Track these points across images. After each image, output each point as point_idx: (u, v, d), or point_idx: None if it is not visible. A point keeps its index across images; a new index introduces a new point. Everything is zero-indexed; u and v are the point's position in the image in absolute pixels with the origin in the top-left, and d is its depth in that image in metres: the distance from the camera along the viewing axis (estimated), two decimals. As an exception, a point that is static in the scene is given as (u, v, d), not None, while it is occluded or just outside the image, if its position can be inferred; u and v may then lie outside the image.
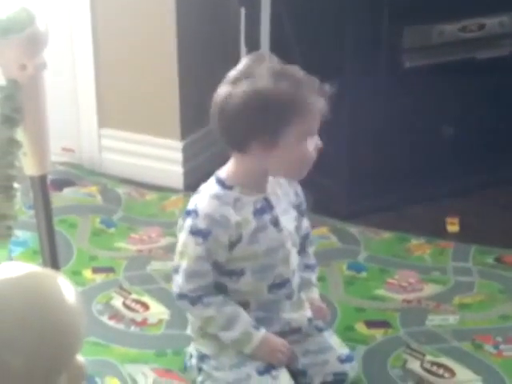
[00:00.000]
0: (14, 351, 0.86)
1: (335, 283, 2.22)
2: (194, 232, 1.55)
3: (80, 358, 0.92)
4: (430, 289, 2.21)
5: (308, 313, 1.72)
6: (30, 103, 1.51)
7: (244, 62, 1.56)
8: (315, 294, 1.76)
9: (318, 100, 1.53)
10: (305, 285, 1.74)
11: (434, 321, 2.09)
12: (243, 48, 2.56)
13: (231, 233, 1.56)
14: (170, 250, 2.37)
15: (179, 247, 1.59)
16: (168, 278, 2.22)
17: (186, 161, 2.72)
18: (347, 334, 2.00)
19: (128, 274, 2.26)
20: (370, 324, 2.08)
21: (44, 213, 1.63)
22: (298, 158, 1.54)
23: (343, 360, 1.73)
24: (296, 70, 1.55)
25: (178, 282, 1.59)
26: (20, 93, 1.48)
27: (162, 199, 2.66)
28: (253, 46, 2.49)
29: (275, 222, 1.61)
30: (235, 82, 1.52)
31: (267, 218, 1.60)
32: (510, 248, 2.37)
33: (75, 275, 2.22)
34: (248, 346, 1.59)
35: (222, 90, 1.54)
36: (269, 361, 1.60)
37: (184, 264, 1.57)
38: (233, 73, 1.55)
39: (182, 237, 1.58)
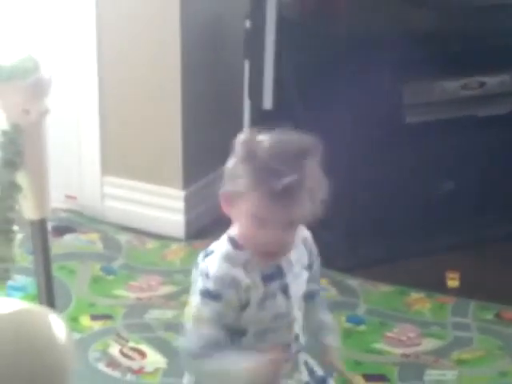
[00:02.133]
0: None
1: (334, 336, 2.21)
2: (205, 293, 1.51)
3: None
4: (428, 343, 2.20)
5: (304, 377, 1.70)
6: (31, 148, 1.52)
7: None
8: (334, 341, 1.67)
9: (264, 193, 1.45)
10: (321, 328, 1.68)
11: (432, 376, 2.08)
12: (247, 101, 2.59)
13: (241, 296, 1.52)
14: (169, 298, 2.38)
15: (190, 309, 1.53)
16: (167, 326, 2.24)
17: (188, 210, 2.74)
18: (344, 388, 1.99)
19: (126, 322, 2.26)
20: (368, 378, 2.07)
21: (43, 257, 1.64)
22: (246, 234, 1.49)
23: None
24: (274, 158, 1.49)
25: (186, 343, 1.54)
26: (22, 137, 1.49)
27: (162, 248, 2.67)
28: (256, 98, 2.53)
29: (285, 290, 1.58)
30: None
31: (277, 284, 1.56)
32: (509, 304, 2.36)
33: (73, 322, 2.21)
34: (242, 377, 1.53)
35: None
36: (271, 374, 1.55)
37: (194, 325, 1.52)
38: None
39: (195, 299, 1.53)
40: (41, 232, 1.59)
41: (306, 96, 2.58)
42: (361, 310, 2.34)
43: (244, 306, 1.54)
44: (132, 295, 2.39)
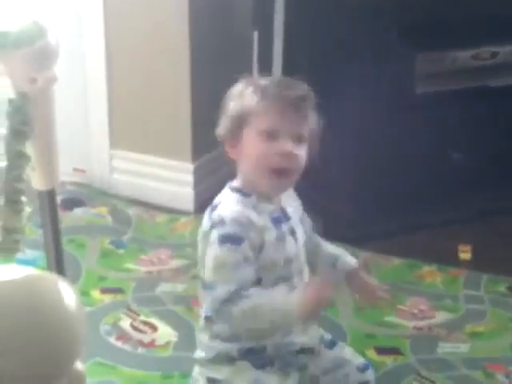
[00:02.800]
0: (11, 355, 0.85)
1: (345, 309, 2.20)
2: (225, 239, 1.49)
3: (80, 364, 0.91)
4: (441, 316, 2.19)
5: (319, 332, 1.69)
6: (40, 117, 1.50)
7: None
8: (349, 259, 1.64)
9: (275, 102, 1.52)
10: (335, 257, 1.66)
11: (444, 348, 2.07)
12: (256, 70, 2.56)
13: (257, 235, 1.51)
14: (179, 271, 2.37)
15: (210, 261, 1.50)
16: (177, 300, 2.23)
17: (197, 183, 2.72)
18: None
19: (137, 296, 2.25)
20: (381, 350, 2.05)
21: (52, 228, 1.62)
22: (255, 157, 1.52)
23: (362, 369, 1.70)
24: (264, 78, 1.60)
25: (214, 295, 1.49)
26: (29, 106, 1.47)
27: (171, 221, 2.65)
28: (266, 68, 2.49)
29: (292, 233, 1.58)
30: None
31: (285, 227, 1.57)
32: (521, 277, 2.35)
33: (83, 295, 2.20)
34: (294, 316, 1.48)
35: None
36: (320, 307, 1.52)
37: (218, 275, 1.49)
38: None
39: (212, 251, 1.49)
40: (49, 203, 1.58)
41: (316, 67, 2.55)
42: (372, 283, 2.32)
43: (260, 248, 1.52)
44: (142, 269, 2.38)
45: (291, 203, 1.63)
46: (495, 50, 2.58)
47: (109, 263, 2.40)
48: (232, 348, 1.58)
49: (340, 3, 2.51)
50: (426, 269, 2.40)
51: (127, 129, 2.75)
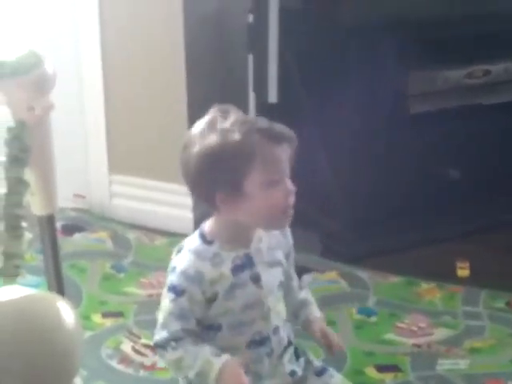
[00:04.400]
0: (11, 374, 0.86)
1: (345, 327, 2.21)
2: (170, 288, 1.54)
3: (78, 381, 0.92)
4: (440, 333, 2.20)
5: (299, 371, 1.68)
6: (38, 144, 1.53)
7: (202, 121, 1.55)
8: (315, 312, 1.66)
9: (275, 147, 1.48)
10: (301, 306, 1.67)
11: (444, 365, 2.08)
12: (251, 95, 2.59)
13: (205, 289, 1.53)
14: (179, 294, 2.38)
15: (163, 301, 1.56)
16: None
17: (196, 206, 2.74)
18: (357, 379, 1.99)
19: (138, 319, 2.26)
20: (380, 368, 2.06)
21: (52, 252, 1.65)
22: (265, 207, 1.49)
23: None
24: (254, 120, 1.54)
25: (155, 335, 1.57)
26: (27, 133, 1.50)
27: (171, 244, 2.66)
28: (261, 92, 2.53)
29: (256, 279, 1.57)
30: (190, 143, 1.52)
31: (247, 274, 1.56)
32: (519, 292, 2.36)
33: (84, 320, 2.22)
34: (210, 375, 1.51)
35: (184, 149, 1.55)
36: None
37: (160, 317, 1.56)
38: (190, 134, 1.56)
39: (163, 293, 1.57)
40: (49, 227, 1.60)
41: (310, 88, 2.58)
42: (371, 302, 2.34)
43: (211, 299, 1.54)
44: (143, 292, 2.40)
45: (263, 244, 1.59)
46: (487, 68, 2.62)
47: (109, 287, 2.42)
48: None
49: (333, 24, 2.54)
50: (425, 286, 2.42)
51: (126, 154, 2.78)
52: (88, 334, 2.16)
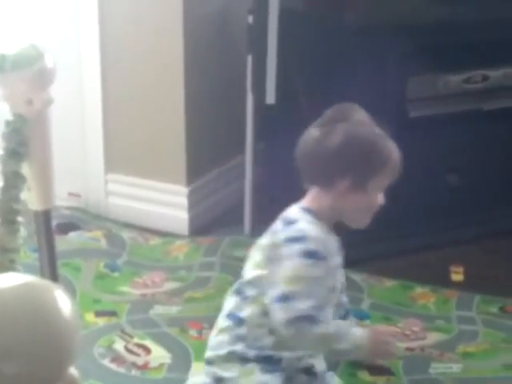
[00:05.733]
0: (9, 360, 0.86)
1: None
2: (307, 255, 1.56)
3: (74, 370, 0.93)
4: (433, 337, 2.20)
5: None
6: (36, 138, 1.53)
7: (334, 109, 1.69)
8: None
9: (396, 154, 1.66)
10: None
11: (437, 369, 2.07)
12: (250, 96, 2.59)
13: (330, 260, 1.61)
14: (173, 294, 2.38)
15: (288, 273, 1.55)
16: (171, 322, 2.23)
17: (191, 206, 2.74)
18: (350, 381, 2.00)
19: (131, 318, 2.26)
20: (373, 371, 2.06)
21: (47, 248, 1.64)
22: (370, 207, 1.67)
23: None
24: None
25: (294, 307, 1.54)
26: (26, 127, 1.50)
27: (166, 244, 2.67)
28: (259, 93, 2.53)
29: (341, 265, 1.70)
30: (329, 123, 1.64)
31: (340, 259, 1.68)
32: (514, 297, 2.36)
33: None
34: (361, 351, 1.61)
35: (315, 130, 1.66)
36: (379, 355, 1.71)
37: (299, 288, 1.55)
38: (324, 117, 1.67)
39: (291, 263, 1.55)
40: (45, 223, 1.60)
41: (309, 90, 2.58)
42: (365, 305, 2.34)
43: (331, 272, 1.63)
44: (136, 292, 2.39)
45: None
46: (486, 73, 2.62)
47: (103, 286, 2.41)
48: (250, 352, 1.62)
49: (332, 27, 2.54)
50: (419, 290, 2.41)
51: (122, 153, 2.77)
52: (81, 333, 2.15)
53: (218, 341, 1.69)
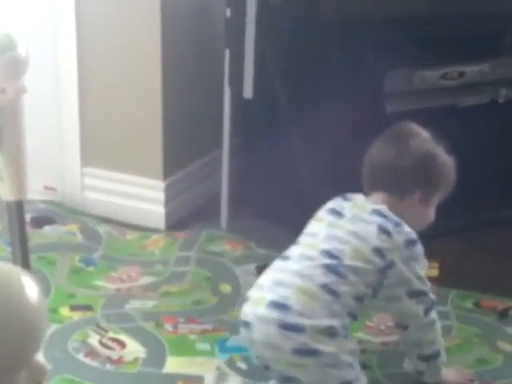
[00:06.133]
0: None
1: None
2: (423, 256, 1.85)
3: (40, 357, 0.92)
4: (408, 332, 2.20)
5: None
6: (9, 127, 1.52)
7: (401, 126, 1.95)
8: None
9: (454, 176, 1.92)
10: None
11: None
12: (227, 91, 2.59)
13: None
14: (149, 288, 2.37)
15: (421, 273, 1.85)
16: (146, 316, 2.23)
17: (168, 201, 2.73)
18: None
19: (106, 313, 2.25)
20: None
21: (19, 239, 1.63)
22: (428, 219, 1.91)
23: None
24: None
25: (427, 300, 1.86)
26: (-1, 116, 1.49)
27: (142, 238, 2.65)
28: (237, 87, 2.52)
29: None
30: (402, 138, 1.90)
31: None
32: (488, 293, 2.37)
33: (52, 312, 2.19)
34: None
35: (390, 144, 1.91)
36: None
37: (426, 282, 1.87)
38: (392, 132, 1.95)
39: (421, 264, 1.84)
40: (18, 214, 1.58)
41: (286, 85, 2.58)
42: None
43: None
44: (112, 286, 2.38)
45: None
46: (462, 69, 2.63)
47: (78, 280, 2.39)
48: (341, 330, 1.77)
49: (310, 21, 2.54)
50: (395, 285, 2.42)
51: (99, 146, 2.76)
52: (55, 326, 2.14)
53: (311, 307, 1.72)
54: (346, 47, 2.47)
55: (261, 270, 2.46)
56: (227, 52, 2.52)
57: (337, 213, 1.85)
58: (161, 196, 2.72)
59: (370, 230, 1.78)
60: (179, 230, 2.70)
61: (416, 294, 1.83)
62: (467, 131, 2.67)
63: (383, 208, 1.83)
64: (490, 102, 2.71)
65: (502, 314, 2.28)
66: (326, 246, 1.77)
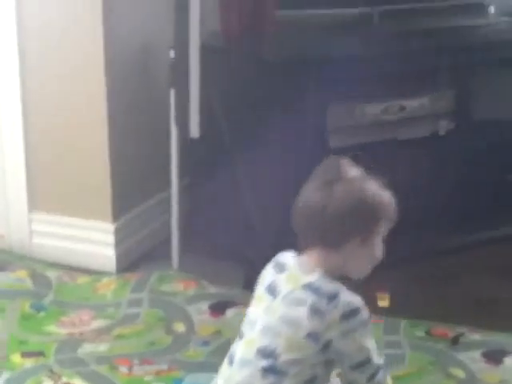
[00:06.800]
0: None
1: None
2: (366, 323, 1.69)
3: None
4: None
5: None
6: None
7: (325, 166, 1.71)
8: None
9: (393, 203, 1.71)
10: None
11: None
12: (174, 130, 2.61)
13: None
14: (101, 332, 2.35)
15: (362, 344, 1.68)
16: (100, 360, 2.20)
17: (118, 243, 2.72)
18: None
19: (59, 358, 2.21)
20: None
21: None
22: (375, 258, 1.74)
23: None
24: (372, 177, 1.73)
25: (375, 365, 1.71)
26: None
27: (93, 282, 2.64)
28: (183, 127, 2.54)
29: None
30: (325, 184, 1.67)
31: None
32: (438, 321, 2.40)
33: (3, 360, 2.16)
34: None
35: (313, 192, 1.69)
36: None
37: (371, 350, 1.70)
38: (317, 176, 1.71)
39: (359, 335, 1.67)
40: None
41: (232, 123, 2.61)
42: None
43: None
44: (63, 331, 2.35)
45: None
46: (402, 103, 2.70)
47: (29, 327, 2.36)
48: None
49: (252, 61, 2.59)
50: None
51: (46, 191, 2.74)
52: (7, 374, 2.11)
53: None
54: (289, 86, 2.51)
55: (214, 308, 2.48)
56: (172, 92, 2.54)
57: (272, 291, 1.71)
58: (111, 238, 2.71)
59: (302, 314, 1.64)
60: (130, 271, 2.69)
61: (358, 366, 1.70)
62: (409, 164, 2.74)
63: (316, 280, 1.67)
64: (430, 135, 2.78)
65: (454, 341, 2.31)
66: (261, 342, 1.67)
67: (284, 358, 1.64)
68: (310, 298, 1.65)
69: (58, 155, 2.70)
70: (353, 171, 1.70)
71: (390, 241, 2.65)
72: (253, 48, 2.67)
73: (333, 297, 1.65)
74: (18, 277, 2.64)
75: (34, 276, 2.64)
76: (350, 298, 1.67)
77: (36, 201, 2.76)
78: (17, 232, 2.79)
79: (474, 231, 2.81)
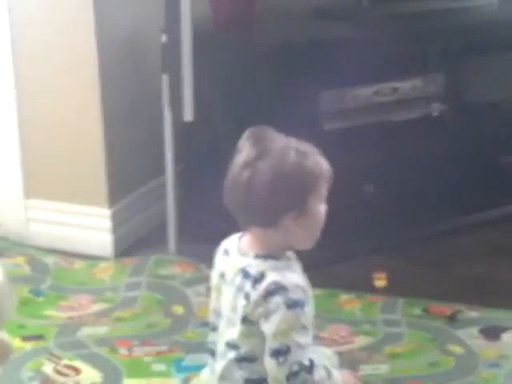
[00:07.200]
0: None
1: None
2: (292, 305, 1.53)
3: (4, 336, 0.92)
4: (361, 341, 2.24)
5: None
6: None
7: (247, 138, 1.57)
8: None
9: (324, 163, 1.59)
10: None
11: (366, 370, 2.11)
12: (167, 114, 2.61)
13: (307, 298, 1.58)
14: (100, 315, 2.36)
15: (280, 328, 1.53)
16: (100, 342, 2.22)
17: (115, 228, 2.73)
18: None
19: (59, 341, 2.23)
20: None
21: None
22: (318, 223, 1.60)
23: None
24: (297, 142, 1.62)
25: (296, 359, 1.54)
26: None
27: (91, 267, 2.65)
28: (177, 111, 2.54)
29: None
30: (254, 161, 1.54)
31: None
32: (435, 299, 2.42)
33: (3, 344, 2.17)
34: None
35: (241, 169, 1.54)
36: None
37: (294, 339, 1.54)
38: (241, 151, 1.56)
39: (278, 317, 1.52)
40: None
41: (225, 107, 2.62)
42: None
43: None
44: (63, 315, 2.36)
45: None
46: (395, 85, 2.71)
47: (28, 311, 2.37)
48: None
49: (245, 45, 2.60)
50: (344, 297, 2.46)
51: (42, 178, 2.75)
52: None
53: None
54: (281, 69, 2.52)
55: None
56: (165, 76, 2.54)
57: (223, 278, 1.64)
58: (107, 224, 2.71)
59: (239, 301, 1.57)
60: (127, 256, 2.70)
61: (274, 354, 1.53)
62: (404, 145, 2.75)
63: (248, 263, 1.57)
64: (424, 116, 2.80)
65: (452, 319, 2.33)
66: (227, 335, 1.61)
67: (244, 348, 1.58)
68: (241, 283, 1.56)
69: (53, 142, 2.71)
70: (276, 140, 1.57)
71: (385, 224, 2.69)
72: (243, 33, 2.68)
73: (257, 280, 1.54)
74: (15, 263, 2.65)
75: (31, 262, 2.66)
76: (278, 278, 1.53)
77: (32, 188, 2.76)
78: (13, 219, 2.79)
79: (470, 212, 2.83)
